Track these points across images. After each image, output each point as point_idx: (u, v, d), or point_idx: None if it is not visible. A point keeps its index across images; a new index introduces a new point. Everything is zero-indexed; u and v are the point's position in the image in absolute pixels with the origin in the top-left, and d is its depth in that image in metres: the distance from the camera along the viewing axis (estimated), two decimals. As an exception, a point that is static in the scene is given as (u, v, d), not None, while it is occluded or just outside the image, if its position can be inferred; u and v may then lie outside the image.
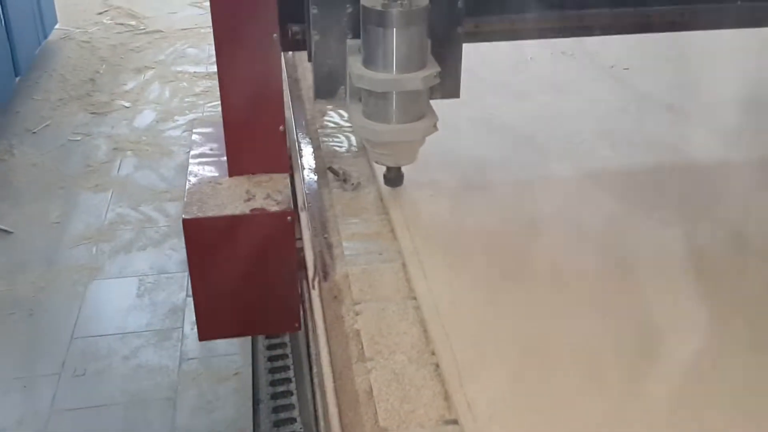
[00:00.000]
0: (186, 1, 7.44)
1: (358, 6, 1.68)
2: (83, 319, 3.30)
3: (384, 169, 1.87)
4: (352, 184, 1.99)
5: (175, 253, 3.73)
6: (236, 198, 1.93)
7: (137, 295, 3.45)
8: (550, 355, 1.39)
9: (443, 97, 1.88)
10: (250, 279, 1.96)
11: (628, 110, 2.40)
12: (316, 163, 2.12)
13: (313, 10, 1.75)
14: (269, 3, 1.80)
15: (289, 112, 2.22)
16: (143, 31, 6.69)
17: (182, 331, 3.22)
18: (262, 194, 1.94)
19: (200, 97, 5.43)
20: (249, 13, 1.80)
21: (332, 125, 2.32)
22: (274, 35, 1.84)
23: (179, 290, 3.47)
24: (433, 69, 1.69)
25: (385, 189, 1.93)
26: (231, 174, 2.01)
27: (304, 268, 1.82)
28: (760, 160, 2.11)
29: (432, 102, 1.85)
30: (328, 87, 1.86)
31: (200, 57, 6.17)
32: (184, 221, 1.88)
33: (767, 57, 2.82)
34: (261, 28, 1.82)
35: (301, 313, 2.04)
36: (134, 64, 6.00)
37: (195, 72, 5.87)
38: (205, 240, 1.91)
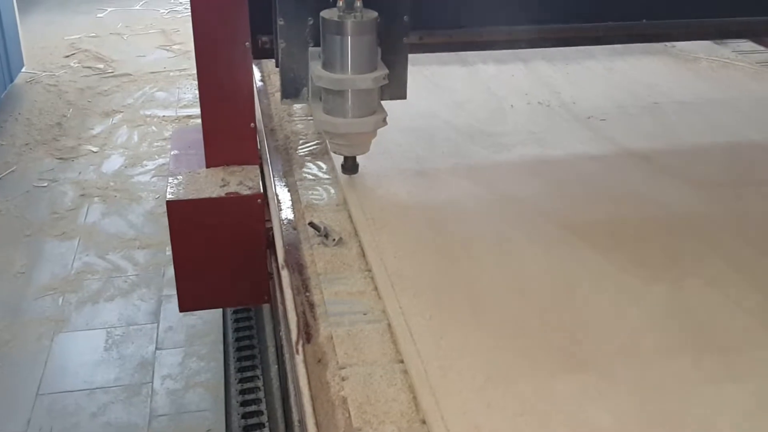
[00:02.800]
0: (155, 44, 7.39)
1: (318, 18, 2.00)
2: (49, 374, 3.19)
3: (342, 159, 2.19)
4: (334, 239, 1.95)
5: (144, 303, 3.64)
6: (213, 184, 2.20)
7: (105, 348, 3.34)
8: (546, 423, 1.35)
9: (392, 98, 2.18)
10: (225, 255, 2.20)
11: (607, 162, 2.39)
12: (295, 218, 2.08)
13: (280, 22, 2.07)
14: (242, 16, 2.09)
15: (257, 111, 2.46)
16: (111, 74, 6.61)
17: (152, 386, 3.11)
18: (236, 181, 2.21)
19: (170, 142, 5.36)
20: (225, 25, 2.10)
21: (311, 177, 2.28)
22: (246, 44, 2.13)
23: (148, 342, 3.37)
24: (382, 71, 2.01)
25: (368, 245, 1.89)
26: (208, 165, 2.27)
27: (286, 326, 1.76)
28: (738, 213, 2.11)
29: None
30: (293, 88, 2.17)
31: (169, 100, 6.10)
32: (168, 203, 2.12)
33: (736, 106, 2.85)
34: (235, 37, 2.12)
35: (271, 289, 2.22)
36: (102, 107, 5.92)
37: (164, 116, 5.79)
38: (186, 219, 2.15)
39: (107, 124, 5.66)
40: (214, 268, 2.22)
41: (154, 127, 5.62)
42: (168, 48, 7.29)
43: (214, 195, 2.15)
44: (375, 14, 1.97)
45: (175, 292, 3.63)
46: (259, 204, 2.16)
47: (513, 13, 2.39)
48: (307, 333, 1.62)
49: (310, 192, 2.19)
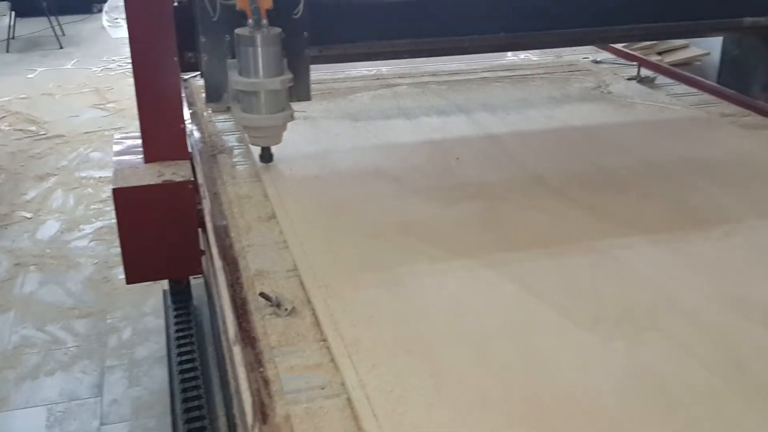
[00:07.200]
0: (88, 103, 7.25)
1: (234, 35, 2.46)
2: (-14, 458, 3.02)
3: (259, 151, 2.69)
4: (286, 309, 1.89)
5: (86, 376, 3.48)
6: (151, 175, 2.65)
7: (47, 427, 3.17)
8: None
9: (299, 99, 2.68)
10: (163, 233, 2.61)
11: (553, 212, 2.39)
12: (245, 287, 2.01)
13: (202, 39, 2.58)
14: (170, 36, 2.56)
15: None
16: (44, 136, 6.44)
17: (98, 465, 2.97)
18: (170, 172, 2.66)
19: (107, 204, 5.20)
20: (156, 43, 2.56)
21: (259, 243, 2.22)
22: (175, 58, 2.59)
23: (92, 418, 3.22)
24: (288, 75, 2.52)
25: (322, 313, 1.84)
26: (146, 161, 2.73)
27: (240, 406, 1.69)
28: (689, 261, 2.12)
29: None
30: (216, 94, 2.67)
31: (105, 161, 5.94)
32: (114, 190, 2.58)
33: (676, 151, 2.89)
34: (165, 53, 2.58)
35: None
36: (35, 171, 5.74)
37: (100, 177, 5.64)
38: (130, 204, 2.58)
39: (41, 188, 5.49)
40: (154, 245, 2.63)
41: (90, 189, 5.48)
42: (102, 107, 7.14)
43: (152, 182, 2.59)
44: (279, 30, 2.45)
45: (118, 362, 3.54)
46: (191, 189, 2.58)
47: (394, 29, 2.97)
48: (263, 413, 1.55)
49: (260, 258, 2.13)
